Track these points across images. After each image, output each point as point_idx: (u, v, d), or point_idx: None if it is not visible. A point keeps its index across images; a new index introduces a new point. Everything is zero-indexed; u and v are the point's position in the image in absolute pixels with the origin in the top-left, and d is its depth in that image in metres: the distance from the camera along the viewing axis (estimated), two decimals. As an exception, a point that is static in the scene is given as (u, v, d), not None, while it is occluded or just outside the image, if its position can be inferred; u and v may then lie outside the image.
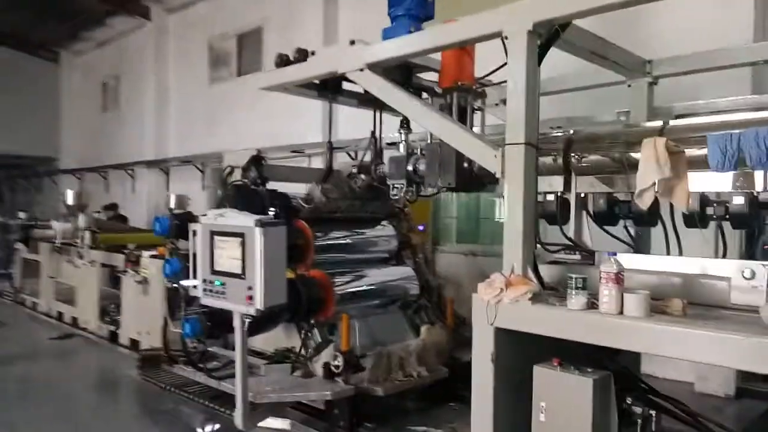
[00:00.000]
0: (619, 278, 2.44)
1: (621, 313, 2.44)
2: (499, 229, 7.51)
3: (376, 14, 4.12)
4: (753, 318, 2.28)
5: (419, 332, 4.83)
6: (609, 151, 3.20)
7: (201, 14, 12.03)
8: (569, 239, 3.38)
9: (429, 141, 4.15)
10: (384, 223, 5.22)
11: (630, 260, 3.12)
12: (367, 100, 4.91)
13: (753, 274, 2.51)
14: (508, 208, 2.88)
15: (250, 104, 10.29)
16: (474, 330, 2.90)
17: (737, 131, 2.38)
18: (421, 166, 4.22)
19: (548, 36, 2.92)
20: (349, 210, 4.80)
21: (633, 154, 3.11)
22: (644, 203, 2.56)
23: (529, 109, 2.82)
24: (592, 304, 2.56)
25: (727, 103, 4.64)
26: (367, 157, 4.82)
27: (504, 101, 4.33)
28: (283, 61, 4.25)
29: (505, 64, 3.73)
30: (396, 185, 4.35)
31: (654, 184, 2.49)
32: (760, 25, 4.97)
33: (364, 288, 4.82)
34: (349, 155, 8.59)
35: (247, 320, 3.58)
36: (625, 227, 3.52)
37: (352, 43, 3.78)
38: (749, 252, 4.59)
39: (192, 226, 3.92)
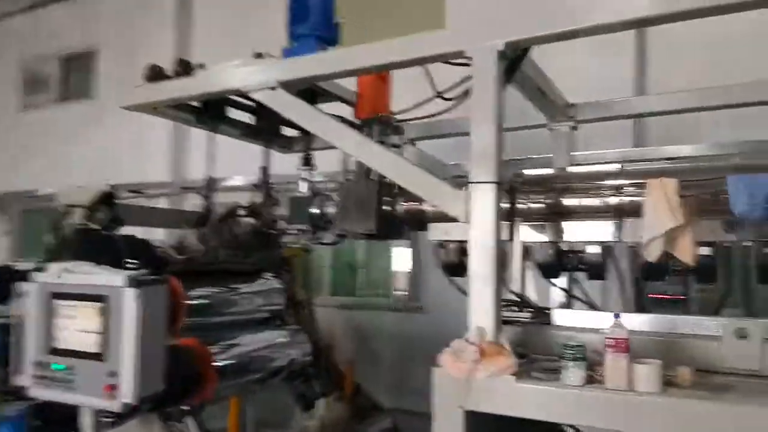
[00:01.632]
0: (627, 346, 2.03)
1: (630, 388, 2.02)
2: (375, 279, 7.18)
3: (238, 37, 3.44)
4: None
5: (310, 407, 4.07)
6: (559, 195, 2.88)
7: (15, 29, 10.16)
8: (517, 295, 2.96)
9: (343, 180, 3.56)
10: (267, 275, 4.42)
11: (586, 318, 2.81)
12: (254, 131, 4.18)
13: (746, 334, 2.28)
14: (475, 259, 2.36)
15: (75, 134, 8.75)
16: (436, 415, 2.29)
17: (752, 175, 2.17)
18: (330, 210, 3.59)
19: (512, 60, 2.54)
20: (229, 260, 3.94)
21: (585, 201, 2.85)
22: (652, 255, 2.22)
23: (498, 142, 2.38)
24: (591, 378, 2.11)
25: (615, 154, 4.77)
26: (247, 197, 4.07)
27: (412, 140, 3.96)
28: (156, 74, 3.37)
29: (435, 97, 3.43)
30: (296, 230, 3.65)
31: (665, 233, 2.17)
32: (639, 81, 5.28)
33: (244, 358, 3.93)
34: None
35: (107, 419, 2.56)
36: (573, 280, 3.23)
37: (259, 56, 3.08)
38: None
39: (19, 286, 2.80)
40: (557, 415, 2.11)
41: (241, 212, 3.87)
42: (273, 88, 2.92)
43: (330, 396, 4.08)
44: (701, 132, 5.04)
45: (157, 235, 4.03)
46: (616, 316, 2.12)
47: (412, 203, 3.28)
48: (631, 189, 2.68)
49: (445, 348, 2.35)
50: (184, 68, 3.28)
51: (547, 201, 2.87)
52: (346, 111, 3.91)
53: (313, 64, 2.87)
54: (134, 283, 2.52)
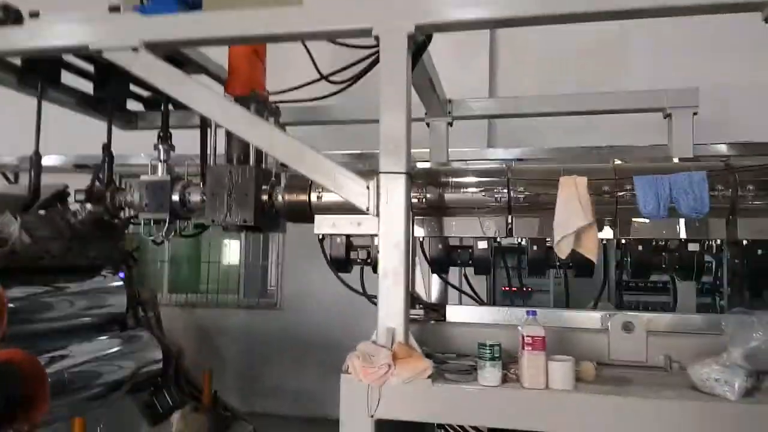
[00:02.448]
0: (544, 343, 2.01)
1: (547, 386, 1.99)
2: (222, 275, 6.63)
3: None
4: (668, 377, 2.15)
5: (161, 420, 3.58)
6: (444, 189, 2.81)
7: None
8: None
9: (213, 163, 3.13)
10: (105, 272, 3.77)
11: (479, 314, 2.79)
12: (91, 102, 3.53)
13: (631, 327, 2.40)
14: (384, 255, 2.18)
15: None
16: (344, 425, 2.07)
17: (666, 176, 2.26)
18: (194, 197, 3.14)
19: (417, 46, 2.39)
20: (63, 255, 3.26)
21: (474, 196, 2.81)
22: (563, 252, 2.21)
23: (408, 130, 2.22)
24: (506, 377, 2.05)
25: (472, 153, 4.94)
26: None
27: (283, 125, 3.65)
28: (6, 17, 2.63)
29: (316, 80, 3.17)
30: (151, 220, 3.13)
31: (576, 230, 2.17)
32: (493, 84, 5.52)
33: (76, 371, 3.29)
34: (6, 177, 6.41)
35: None
36: (465, 276, 3.19)
37: (115, 9, 2.54)
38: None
39: None
40: (476, 418, 2.02)
41: (78, 197, 3.22)
42: (135, 49, 2.42)
43: (185, 407, 3.61)
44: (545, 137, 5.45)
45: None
46: (531, 313, 2.09)
47: (295, 193, 2.99)
48: (521, 188, 2.70)
49: (351, 352, 2.13)
50: (12, 16, 2.60)
51: (431, 195, 2.77)
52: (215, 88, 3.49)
53: (188, 25, 2.44)
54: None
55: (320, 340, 5.81)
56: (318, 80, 3.10)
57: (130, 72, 2.46)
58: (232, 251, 6.55)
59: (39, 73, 3.08)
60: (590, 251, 2.21)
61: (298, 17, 2.32)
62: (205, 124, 3.69)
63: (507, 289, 5.18)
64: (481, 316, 2.72)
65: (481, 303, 3.33)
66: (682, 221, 2.59)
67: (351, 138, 4.56)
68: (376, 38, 2.25)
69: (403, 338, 2.14)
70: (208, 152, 3.44)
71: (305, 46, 3.18)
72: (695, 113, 3.37)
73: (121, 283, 3.77)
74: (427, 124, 3.70)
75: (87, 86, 3.53)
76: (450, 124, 3.69)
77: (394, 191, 2.17)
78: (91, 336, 3.48)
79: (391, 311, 2.15)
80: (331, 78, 3.06)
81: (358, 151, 4.55)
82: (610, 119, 4.58)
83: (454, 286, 3.25)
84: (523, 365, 2.01)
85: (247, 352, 6.05)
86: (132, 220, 3.62)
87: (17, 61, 3.06)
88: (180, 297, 6.33)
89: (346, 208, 2.87)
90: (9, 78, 3.06)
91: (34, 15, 2.57)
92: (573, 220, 2.16)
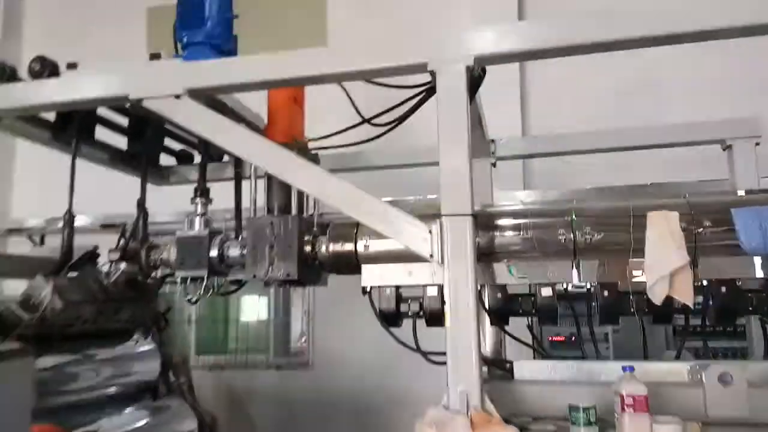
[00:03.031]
0: (647, 403, 1.75)
1: (652, 452, 1.73)
2: (251, 333, 6.39)
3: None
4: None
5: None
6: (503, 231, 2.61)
7: None
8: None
9: (252, 215, 2.97)
10: (136, 336, 3.58)
11: (550, 369, 2.53)
12: (124, 156, 3.44)
13: (730, 378, 2.13)
14: (452, 307, 1.96)
15: None
16: None
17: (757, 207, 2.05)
18: (233, 251, 2.97)
19: (472, 80, 2.25)
20: (95, 319, 3.08)
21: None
22: (658, 297, 1.98)
23: (470, 168, 2.04)
24: (602, 443, 1.79)
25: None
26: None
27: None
28: (6, 74, 2.57)
29: (357, 125, 3.05)
30: (189, 278, 2.96)
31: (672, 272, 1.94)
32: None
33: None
34: (32, 240, 6.32)
35: None
36: (529, 327, 2.95)
37: (155, 56, 2.46)
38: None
39: None
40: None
41: (112, 256, 3.07)
42: (178, 97, 2.31)
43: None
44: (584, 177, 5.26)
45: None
46: (629, 368, 1.84)
47: (340, 243, 2.81)
48: (587, 228, 2.49)
49: (418, 420, 1.88)
50: (49, 68, 2.53)
51: (484, 240, 2.56)
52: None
53: (231, 70, 2.33)
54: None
55: (355, 401, 5.50)
56: (360, 124, 2.97)
57: (171, 121, 2.35)
58: (260, 308, 6.33)
59: (73, 128, 2.99)
60: (685, 295, 1.97)
61: (345, 56, 2.20)
62: (239, 176, 3.58)
63: (554, 339, 4.90)
64: (551, 372, 2.46)
65: (544, 356, 3.06)
66: (757, 259, 2.35)
67: (381, 185, 4.42)
68: (432, 73, 2.11)
69: (479, 402, 1.89)
70: (245, 204, 3.34)
71: (343, 89, 3.07)
72: (757, 143, 3.18)
73: (153, 347, 3.58)
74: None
75: (118, 141, 3.46)
76: (494, 164, 3.53)
77: (460, 235, 1.98)
78: (122, 406, 3.27)
79: (462, 372, 1.91)
80: (373, 121, 2.92)
81: (389, 198, 4.40)
82: (643, 157, 4.40)
83: (520, 341, 2.98)
84: (624, 429, 1.75)
85: (279, 417, 5.73)
86: (166, 279, 3.47)
87: (50, 116, 2.99)
88: (208, 359, 6.08)
89: (395, 257, 2.70)
90: (42, 134, 2.97)
91: (72, 66, 2.50)
92: (668, 261, 1.94)
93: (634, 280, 2.35)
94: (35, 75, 2.55)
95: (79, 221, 5.52)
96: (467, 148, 2.03)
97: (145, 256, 3.10)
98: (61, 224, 4.80)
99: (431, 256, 2.00)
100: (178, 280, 2.97)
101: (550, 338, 4.82)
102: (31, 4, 7.08)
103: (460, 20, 5.23)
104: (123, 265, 3.09)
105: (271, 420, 5.70)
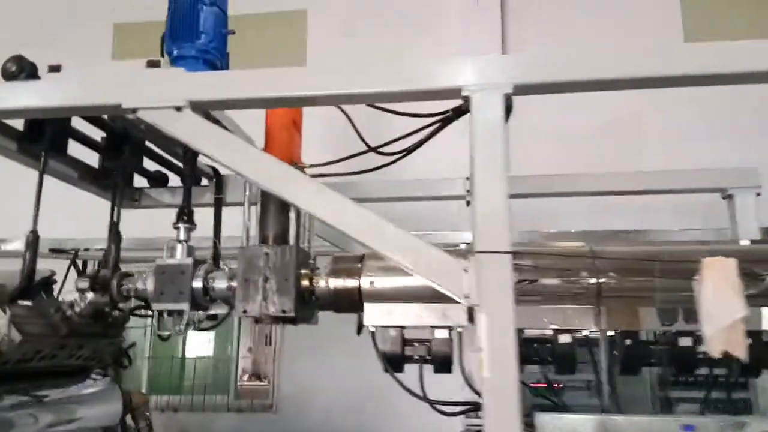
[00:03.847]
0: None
1: None
2: (209, 371, 5.94)
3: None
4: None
5: None
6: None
7: None
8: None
9: (245, 243, 2.71)
10: (96, 373, 3.19)
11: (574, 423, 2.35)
12: (96, 174, 3.13)
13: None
14: (492, 355, 1.76)
15: None
16: None
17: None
18: (219, 283, 2.68)
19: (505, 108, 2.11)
20: (55, 355, 2.71)
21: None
22: (716, 350, 1.83)
23: (508, 201, 1.89)
24: None
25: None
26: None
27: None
28: (20, 71, 2.26)
29: (362, 152, 2.86)
30: (168, 311, 2.64)
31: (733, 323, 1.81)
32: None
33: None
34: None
35: None
36: (546, 377, 2.76)
37: (155, 65, 2.21)
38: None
39: None
40: None
41: (81, 284, 2.72)
42: (179, 109, 2.07)
43: None
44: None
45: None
46: (688, 428, 1.68)
47: (342, 278, 2.58)
48: (611, 273, 2.37)
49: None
50: (27, 70, 2.24)
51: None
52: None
53: (244, 83, 2.11)
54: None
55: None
56: (365, 152, 2.78)
57: (169, 135, 2.09)
58: (219, 344, 5.92)
59: (45, 139, 2.68)
60: (738, 348, 1.84)
61: (374, 76, 2.03)
62: (220, 201, 3.33)
63: (535, 384, 4.74)
64: (575, 427, 2.28)
65: (558, 408, 2.88)
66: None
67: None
68: (465, 99, 1.96)
69: (521, 460, 1.69)
70: (227, 233, 3.09)
71: (346, 114, 2.89)
72: (758, 194, 3.18)
73: (114, 387, 3.21)
74: (468, 202, 3.39)
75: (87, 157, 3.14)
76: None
77: (500, 274, 1.80)
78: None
79: (504, 427, 1.71)
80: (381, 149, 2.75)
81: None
82: (619, 202, 4.40)
83: (539, 392, 2.80)
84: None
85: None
86: (134, 312, 3.14)
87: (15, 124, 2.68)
88: (161, 399, 5.61)
89: (403, 296, 2.50)
90: (8, 143, 2.64)
91: (55, 69, 2.22)
92: (728, 311, 1.81)
93: (662, 329, 2.23)
94: (9, 76, 2.25)
95: (17, 245, 5.08)
96: (505, 180, 1.88)
97: (116, 285, 2.77)
98: (13, 245, 4.38)
99: (466, 296, 1.81)
100: (155, 313, 2.66)
101: (531, 384, 4.66)
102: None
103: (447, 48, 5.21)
104: (90, 295, 2.75)
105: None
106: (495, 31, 5.35)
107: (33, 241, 2.64)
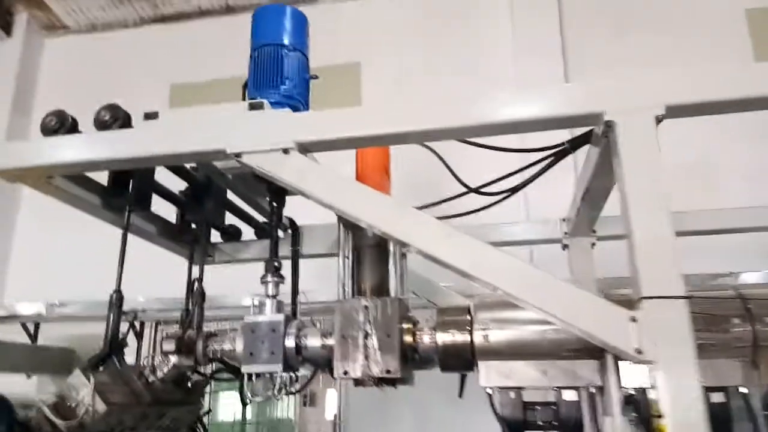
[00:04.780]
0: None
1: None
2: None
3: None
4: None
5: None
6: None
7: None
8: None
9: (340, 296, 2.49)
10: (172, 444, 2.95)
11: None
12: (176, 229, 2.99)
13: None
14: (676, 421, 1.47)
15: None
16: None
17: None
18: (312, 341, 2.46)
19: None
20: (136, 427, 2.48)
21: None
22: None
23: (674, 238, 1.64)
24: None
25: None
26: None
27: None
28: (60, 125, 2.17)
29: (461, 195, 2.66)
30: (260, 374, 2.41)
31: None
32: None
33: None
34: (26, 330, 5.61)
35: None
36: None
37: (257, 107, 2.07)
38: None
39: None
40: None
41: (167, 346, 2.52)
42: (286, 151, 1.91)
43: None
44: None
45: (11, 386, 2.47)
46: None
47: (451, 332, 2.33)
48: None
49: None
50: (121, 119, 2.12)
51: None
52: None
53: (354, 121, 1.94)
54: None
55: None
56: (465, 194, 2.58)
57: (275, 180, 1.92)
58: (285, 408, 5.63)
59: (129, 194, 2.55)
60: None
61: (503, 104, 1.84)
62: (297, 253, 3.15)
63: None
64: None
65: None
66: None
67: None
68: (608, 124, 1.75)
69: None
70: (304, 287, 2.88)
71: (434, 152, 2.71)
72: None
73: (192, 460, 2.95)
74: (564, 246, 3.13)
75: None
76: (594, 244, 3.12)
77: (676, 322, 1.53)
78: None
79: None
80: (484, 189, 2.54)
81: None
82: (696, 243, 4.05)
83: None
84: None
85: None
86: (215, 375, 2.92)
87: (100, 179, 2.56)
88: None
89: (522, 352, 2.23)
90: (92, 198, 2.52)
91: (152, 116, 2.09)
92: None
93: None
94: (102, 125, 2.14)
95: (65, 309, 4.92)
96: (669, 214, 1.63)
97: (203, 346, 2.57)
98: (63, 309, 4.21)
99: (638, 351, 1.53)
100: (245, 376, 2.43)
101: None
102: (44, 81, 6.80)
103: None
104: (174, 359, 2.54)
105: None
106: (555, 74, 5.21)
107: (117, 300, 2.46)
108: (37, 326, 5.57)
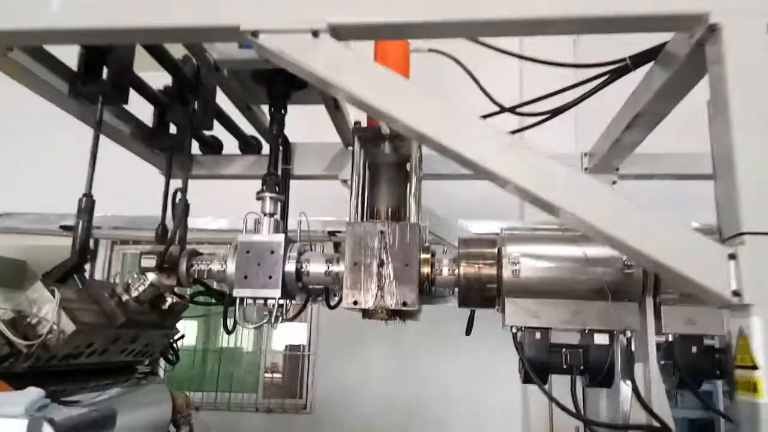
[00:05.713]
0: None
1: None
2: (229, 364, 5.39)
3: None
4: None
5: None
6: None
7: None
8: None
9: (352, 219, 2.20)
10: (140, 371, 2.65)
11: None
12: (152, 135, 2.59)
13: None
14: (772, 376, 1.28)
15: None
16: None
17: None
18: (316, 266, 2.17)
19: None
20: (106, 350, 2.16)
21: None
22: None
23: (776, 167, 1.40)
24: None
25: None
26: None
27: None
28: None
29: (499, 112, 2.35)
30: (260, 298, 2.12)
31: None
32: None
33: None
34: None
35: None
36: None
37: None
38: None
39: None
40: None
41: (145, 262, 2.18)
42: (316, 34, 1.55)
43: None
44: None
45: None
46: None
47: (476, 264, 2.08)
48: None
49: None
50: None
51: None
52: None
53: (403, 3, 1.59)
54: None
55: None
56: (499, 113, 2.28)
57: (301, 68, 1.56)
58: (242, 336, 5.38)
59: (104, 81, 2.13)
60: None
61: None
62: (287, 172, 2.82)
63: None
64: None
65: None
66: None
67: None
68: (711, 28, 1.47)
69: None
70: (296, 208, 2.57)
71: (464, 67, 2.39)
72: None
73: (164, 388, 2.67)
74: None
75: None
76: (614, 183, 2.90)
77: (775, 262, 1.32)
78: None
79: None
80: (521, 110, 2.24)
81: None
82: None
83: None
84: None
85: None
86: (195, 299, 2.61)
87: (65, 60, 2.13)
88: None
89: (556, 290, 2.02)
90: (56, 84, 2.09)
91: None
92: None
93: None
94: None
95: (11, 221, 4.44)
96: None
97: (186, 266, 2.25)
98: (9, 220, 3.77)
99: (735, 293, 1.32)
100: (238, 300, 2.13)
101: None
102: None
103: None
104: (152, 277, 2.21)
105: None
106: None
107: (88, 206, 2.08)
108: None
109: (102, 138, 2.21)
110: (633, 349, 1.99)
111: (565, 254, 2.04)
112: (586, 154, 2.86)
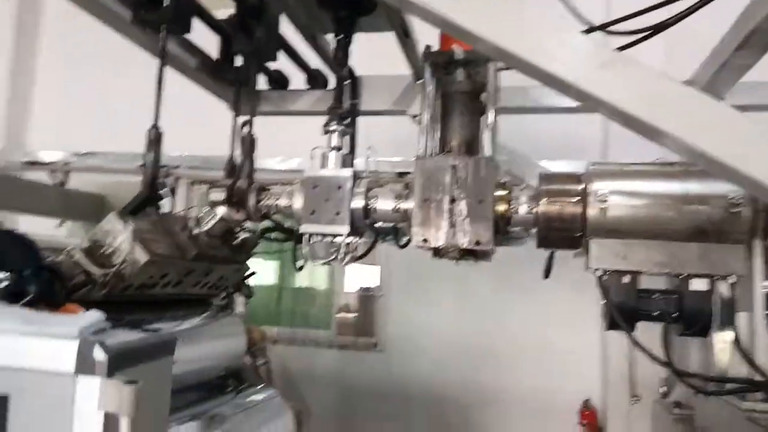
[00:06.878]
0: None
1: None
2: (308, 304, 5.53)
3: None
4: None
5: None
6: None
7: None
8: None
9: (422, 153, 2.07)
10: (214, 306, 2.70)
11: None
12: (217, 65, 2.53)
13: None
14: None
15: None
16: None
17: None
18: (384, 203, 2.07)
19: None
20: (181, 281, 2.20)
21: None
22: None
23: None
24: None
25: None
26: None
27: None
28: None
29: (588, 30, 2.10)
30: (327, 234, 2.07)
31: None
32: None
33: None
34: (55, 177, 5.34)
35: None
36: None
37: None
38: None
39: None
40: None
41: (214, 195, 2.17)
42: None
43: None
44: None
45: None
46: None
47: (559, 202, 1.91)
48: None
49: None
50: None
51: None
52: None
53: None
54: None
55: (429, 393, 4.71)
56: (591, 30, 2.03)
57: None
58: (317, 276, 5.47)
59: (168, 9, 2.06)
60: None
61: None
62: (355, 108, 2.68)
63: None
64: None
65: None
66: None
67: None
68: None
69: None
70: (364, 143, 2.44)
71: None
72: None
73: (238, 321, 2.72)
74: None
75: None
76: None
77: None
78: (200, 404, 2.41)
79: None
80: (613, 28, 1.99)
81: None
82: None
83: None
84: None
85: (341, 403, 4.93)
86: (265, 234, 2.61)
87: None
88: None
89: (649, 231, 1.82)
90: (119, 11, 2.04)
91: None
92: None
93: None
94: None
95: (93, 159, 4.60)
96: None
97: (255, 200, 2.21)
98: (91, 159, 3.88)
99: None
100: (307, 236, 2.08)
101: None
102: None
103: None
104: (222, 211, 2.20)
105: (329, 409, 4.88)
106: None
107: (156, 136, 2.06)
108: (65, 175, 5.31)
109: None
110: (735, 296, 1.78)
111: (660, 191, 1.83)
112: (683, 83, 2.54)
